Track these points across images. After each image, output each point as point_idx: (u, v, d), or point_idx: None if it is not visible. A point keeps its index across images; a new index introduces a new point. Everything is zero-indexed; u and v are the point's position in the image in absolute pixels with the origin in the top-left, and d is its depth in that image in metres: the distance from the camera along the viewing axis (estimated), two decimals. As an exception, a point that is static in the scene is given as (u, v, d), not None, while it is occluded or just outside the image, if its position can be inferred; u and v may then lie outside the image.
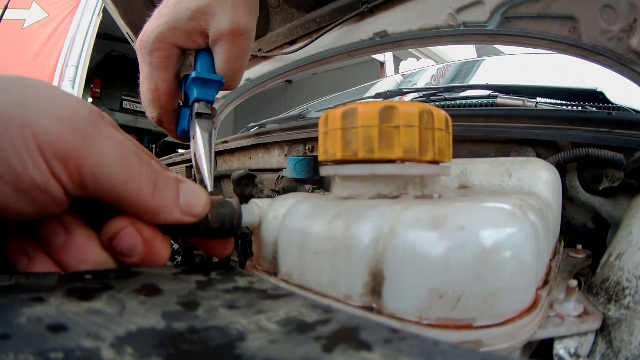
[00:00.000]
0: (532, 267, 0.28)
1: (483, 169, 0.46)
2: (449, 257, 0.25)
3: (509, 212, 0.29)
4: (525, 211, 0.30)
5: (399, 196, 0.34)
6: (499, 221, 0.27)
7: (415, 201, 0.32)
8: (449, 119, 0.36)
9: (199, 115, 0.39)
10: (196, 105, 0.39)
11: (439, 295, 0.25)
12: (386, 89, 1.36)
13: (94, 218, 0.27)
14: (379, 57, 4.66)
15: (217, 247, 0.33)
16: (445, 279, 0.25)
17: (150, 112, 0.42)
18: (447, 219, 0.26)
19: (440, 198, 0.35)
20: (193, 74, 0.39)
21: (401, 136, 0.32)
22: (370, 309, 0.27)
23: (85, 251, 0.25)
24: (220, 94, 1.49)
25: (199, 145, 0.38)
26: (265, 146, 1.02)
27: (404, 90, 1.30)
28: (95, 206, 0.26)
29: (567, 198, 0.58)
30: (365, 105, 0.33)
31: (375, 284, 0.27)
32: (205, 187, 0.37)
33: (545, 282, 0.34)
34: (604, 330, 0.34)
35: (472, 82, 1.43)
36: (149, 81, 0.39)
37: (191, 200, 0.28)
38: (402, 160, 0.32)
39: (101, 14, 3.62)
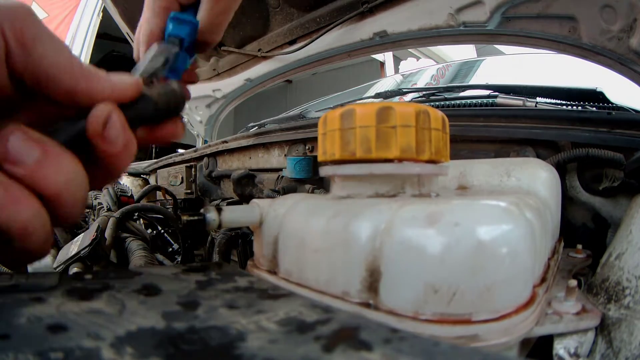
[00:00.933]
0: (529, 264, 0.28)
1: (482, 170, 0.46)
2: (444, 253, 0.25)
3: (504, 209, 0.29)
4: (521, 209, 0.30)
5: (397, 195, 0.34)
6: (495, 218, 0.28)
7: (412, 199, 0.32)
8: (446, 119, 0.36)
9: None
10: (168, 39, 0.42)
11: (434, 291, 0.25)
12: (386, 89, 1.36)
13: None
14: (379, 57, 4.66)
15: (168, 128, 0.33)
16: (441, 275, 0.25)
17: (137, 52, 0.45)
18: (443, 216, 0.27)
19: (437, 197, 0.35)
20: (172, 14, 0.42)
21: (398, 136, 0.32)
22: (367, 305, 0.28)
23: (63, 163, 0.24)
24: (220, 93, 1.49)
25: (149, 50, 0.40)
26: (265, 146, 1.02)
27: (404, 90, 1.30)
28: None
29: (567, 198, 0.58)
30: (363, 106, 0.33)
31: (373, 281, 0.28)
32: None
33: (543, 280, 0.34)
34: (604, 330, 0.34)
35: (472, 82, 1.43)
36: (147, 25, 0.43)
37: (119, 79, 0.28)
38: (400, 160, 0.33)
39: (101, 14, 3.62)
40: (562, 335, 0.32)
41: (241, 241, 0.81)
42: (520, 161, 0.45)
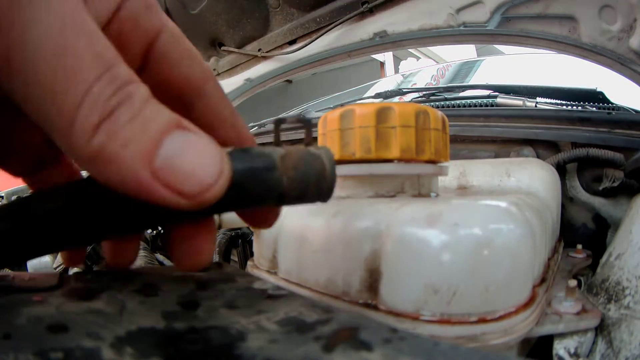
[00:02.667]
0: (528, 264, 0.28)
1: (482, 170, 0.46)
2: (444, 253, 0.26)
3: (504, 209, 0.29)
4: (521, 209, 0.30)
5: (397, 195, 0.34)
6: (494, 218, 0.28)
7: (412, 200, 0.32)
8: (446, 119, 0.36)
9: None
10: None
11: (434, 291, 0.25)
12: (386, 89, 1.36)
13: None
14: (379, 57, 4.66)
15: (265, 214, 0.24)
16: (440, 275, 0.25)
17: None
18: (443, 216, 0.27)
19: (437, 197, 0.35)
20: None
21: (398, 136, 0.32)
22: (367, 305, 0.28)
23: None
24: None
25: None
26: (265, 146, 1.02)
27: (404, 90, 1.30)
28: None
29: (567, 198, 0.58)
30: (363, 107, 0.33)
31: (372, 281, 0.28)
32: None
33: (543, 280, 0.34)
34: (604, 330, 0.34)
35: (472, 82, 1.43)
36: None
37: (185, 160, 0.14)
38: (399, 160, 0.33)
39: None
40: (562, 335, 0.32)
41: (241, 241, 0.81)
42: (520, 161, 0.45)
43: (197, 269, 0.21)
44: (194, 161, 0.14)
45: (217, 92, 0.20)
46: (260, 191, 0.19)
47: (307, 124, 0.23)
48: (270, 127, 1.11)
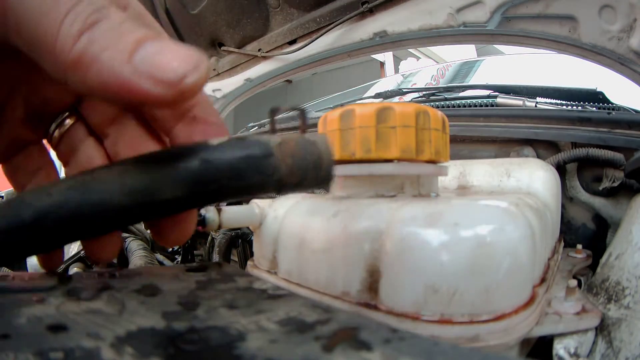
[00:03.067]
0: (528, 264, 0.28)
1: (482, 170, 0.46)
2: (444, 253, 0.26)
3: (504, 209, 0.29)
4: (521, 209, 0.30)
5: (397, 195, 0.34)
6: (494, 218, 0.28)
7: (412, 200, 0.32)
8: (446, 119, 0.36)
9: None
10: None
11: (434, 291, 0.25)
12: (386, 89, 1.36)
13: None
14: (379, 57, 4.66)
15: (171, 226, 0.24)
16: (440, 275, 0.25)
17: None
18: (443, 216, 0.27)
19: (437, 197, 0.35)
20: None
21: (398, 136, 0.32)
22: (367, 305, 0.28)
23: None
24: (220, 93, 1.49)
25: None
26: (265, 146, 1.02)
27: (404, 90, 1.30)
28: None
29: (567, 198, 0.58)
30: (363, 107, 0.33)
31: (372, 281, 0.28)
32: None
33: (543, 280, 0.34)
34: (604, 330, 0.34)
35: (472, 82, 1.43)
36: None
37: (163, 57, 0.16)
38: (399, 160, 0.33)
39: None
40: (562, 335, 0.32)
41: (241, 241, 0.81)
42: (520, 161, 0.45)
43: (180, 243, 0.22)
44: (172, 56, 0.16)
45: None
46: (259, 178, 0.19)
47: (302, 112, 0.23)
48: (270, 127, 1.11)
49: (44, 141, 0.25)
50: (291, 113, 1.52)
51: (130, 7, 0.20)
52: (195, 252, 0.99)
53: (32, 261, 0.67)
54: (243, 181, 0.18)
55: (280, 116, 1.47)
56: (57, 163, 0.25)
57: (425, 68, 2.02)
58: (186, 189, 0.18)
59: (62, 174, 0.25)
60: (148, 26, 0.20)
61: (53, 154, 0.25)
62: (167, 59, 0.16)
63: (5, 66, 0.18)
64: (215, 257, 0.77)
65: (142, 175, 0.18)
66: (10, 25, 0.16)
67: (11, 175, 0.24)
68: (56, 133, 0.24)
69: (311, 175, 0.20)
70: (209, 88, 1.45)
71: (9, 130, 0.23)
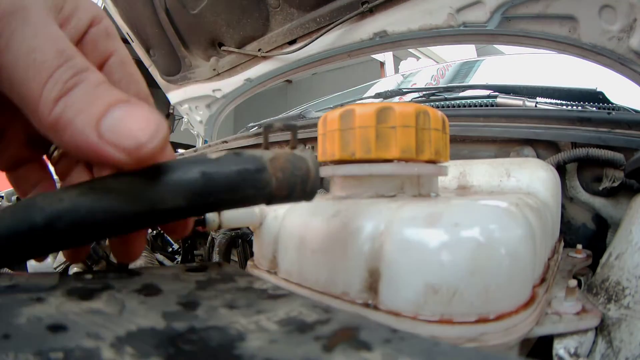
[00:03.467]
0: (528, 264, 0.28)
1: (482, 170, 0.46)
2: (444, 253, 0.25)
3: (504, 209, 0.29)
4: (521, 209, 0.30)
5: (396, 195, 0.34)
6: (494, 218, 0.28)
7: (412, 200, 0.32)
8: (446, 119, 0.36)
9: None
10: None
11: (434, 291, 0.25)
12: (386, 89, 1.36)
13: None
14: (379, 57, 4.65)
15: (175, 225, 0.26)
16: (440, 275, 0.25)
17: None
18: (443, 216, 0.27)
19: (437, 197, 0.35)
20: None
21: (398, 136, 0.32)
22: (367, 305, 0.28)
23: None
24: (220, 93, 1.49)
25: None
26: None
27: (404, 90, 1.30)
28: None
29: (567, 198, 0.58)
30: (363, 107, 0.33)
31: (372, 281, 0.28)
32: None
33: (543, 280, 0.34)
34: (604, 330, 0.34)
35: (472, 82, 1.43)
36: None
37: (126, 125, 0.18)
38: (399, 160, 0.33)
39: (101, 14, 3.60)
40: (562, 335, 0.32)
41: (241, 241, 0.81)
42: (520, 161, 0.45)
43: (131, 262, 0.26)
44: (133, 125, 0.18)
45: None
46: (252, 191, 0.21)
47: (293, 129, 0.24)
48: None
49: (45, 157, 0.28)
50: (290, 113, 1.52)
51: (116, 53, 0.24)
52: (195, 252, 0.99)
53: (32, 262, 0.67)
54: (238, 193, 0.20)
55: (280, 116, 1.47)
56: (56, 177, 0.28)
57: (425, 68, 2.02)
58: (187, 199, 0.20)
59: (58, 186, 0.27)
60: (128, 83, 0.24)
61: (52, 168, 0.28)
62: (130, 126, 0.18)
63: (3, 99, 0.20)
64: (215, 257, 0.77)
65: (147, 186, 0.19)
66: (3, 81, 0.19)
67: (14, 184, 0.28)
68: (55, 153, 0.27)
69: (298, 189, 0.22)
70: (209, 88, 1.45)
71: (12, 149, 0.26)
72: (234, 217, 0.36)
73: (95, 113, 0.18)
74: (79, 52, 0.19)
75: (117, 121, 0.18)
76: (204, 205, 0.20)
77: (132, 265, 0.26)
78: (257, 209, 0.38)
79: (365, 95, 1.56)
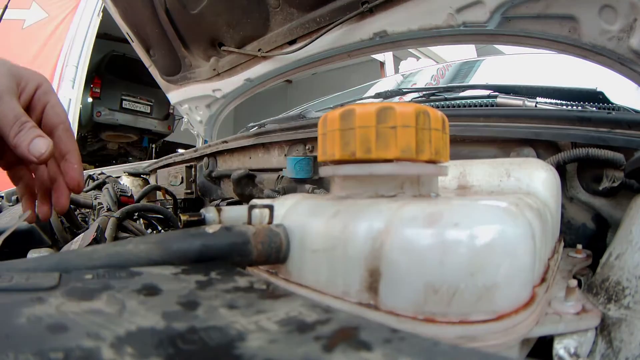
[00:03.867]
0: (528, 264, 0.28)
1: (482, 170, 0.46)
2: (444, 253, 0.25)
3: (504, 209, 0.29)
4: (521, 209, 0.30)
5: (397, 195, 0.34)
6: (494, 218, 0.28)
7: (412, 200, 0.32)
8: (446, 119, 0.36)
9: None
10: None
11: (434, 291, 0.25)
12: (386, 89, 1.36)
13: None
14: (379, 57, 4.66)
15: None
16: (440, 275, 0.25)
17: None
18: (443, 216, 0.27)
19: (437, 197, 0.35)
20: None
21: (398, 136, 0.32)
22: (367, 305, 0.28)
23: None
24: (220, 93, 1.49)
25: None
26: (265, 146, 1.02)
27: (404, 90, 1.30)
28: None
29: (567, 198, 0.58)
30: (363, 107, 0.33)
31: (372, 281, 0.28)
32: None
33: (543, 280, 0.34)
34: (604, 330, 0.34)
35: (472, 82, 1.43)
36: None
37: (37, 146, 0.42)
38: (399, 160, 0.33)
39: (101, 14, 3.61)
40: (562, 335, 0.32)
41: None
42: (520, 161, 0.45)
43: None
44: (41, 147, 0.42)
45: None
46: (239, 259, 0.28)
47: (271, 208, 0.33)
48: (271, 127, 1.11)
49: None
50: (290, 113, 1.52)
51: (50, 101, 0.46)
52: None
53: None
54: (228, 260, 0.27)
55: (279, 116, 1.47)
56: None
57: (425, 68, 2.02)
58: (189, 264, 0.26)
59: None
60: (56, 116, 0.47)
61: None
62: (39, 148, 0.42)
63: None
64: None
65: (159, 252, 0.26)
66: None
67: (11, 178, 0.50)
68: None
69: (274, 256, 0.30)
70: (209, 88, 1.45)
71: (7, 156, 0.47)
72: (234, 216, 0.36)
73: (27, 141, 0.42)
74: (25, 113, 0.43)
75: (35, 145, 0.42)
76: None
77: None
78: (257, 209, 0.37)
79: (365, 95, 1.56)
